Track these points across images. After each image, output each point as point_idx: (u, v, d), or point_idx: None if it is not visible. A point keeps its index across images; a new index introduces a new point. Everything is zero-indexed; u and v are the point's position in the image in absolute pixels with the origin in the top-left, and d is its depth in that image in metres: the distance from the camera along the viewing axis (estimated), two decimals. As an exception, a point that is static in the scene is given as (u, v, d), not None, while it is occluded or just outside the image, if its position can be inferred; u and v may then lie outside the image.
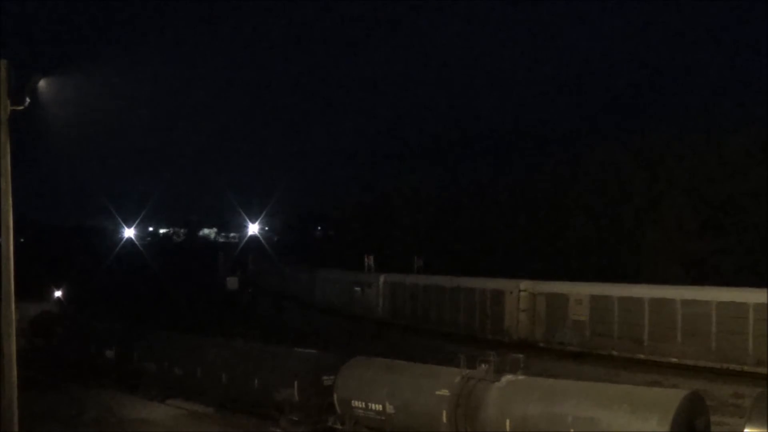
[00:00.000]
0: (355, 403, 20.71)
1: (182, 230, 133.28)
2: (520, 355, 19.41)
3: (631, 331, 31.41)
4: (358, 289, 50.52)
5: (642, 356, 30.75)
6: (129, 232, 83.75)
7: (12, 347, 15.87)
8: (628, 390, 17.89)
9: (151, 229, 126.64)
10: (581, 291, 33.94)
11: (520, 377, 18.31)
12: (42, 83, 16.19)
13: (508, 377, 18.20)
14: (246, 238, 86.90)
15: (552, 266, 46.36)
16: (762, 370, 26.71)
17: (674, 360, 29.73)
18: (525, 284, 36.66)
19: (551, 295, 35.16)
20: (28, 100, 15.75)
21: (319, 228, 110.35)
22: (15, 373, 15.84)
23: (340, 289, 53.48)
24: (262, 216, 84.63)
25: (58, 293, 47.40)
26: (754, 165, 43.25)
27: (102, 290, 57.31)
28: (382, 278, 48.10)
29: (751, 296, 28.27)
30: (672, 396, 15.92)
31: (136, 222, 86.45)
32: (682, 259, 43.36)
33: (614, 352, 31.84)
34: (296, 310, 56.00)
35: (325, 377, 21.92)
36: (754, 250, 40.55)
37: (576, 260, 48.48)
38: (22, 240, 49.44)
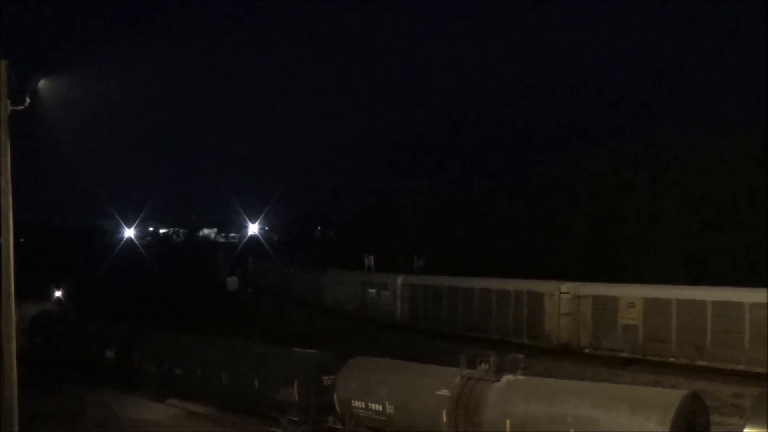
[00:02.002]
0: (355, 403, 20.71)
1: (182, 230, 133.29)
2: (520, 355, 19.38)
3: (692, 336, 29.26)
4: (372, 291, 48.01)
5: (703, 363, 28.71)
6: (129, 232, 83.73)
7: (12, 347, 15.88)
8: (628, 390, 17.90)
9: (151, 229, 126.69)
10: (633, 293, 31.74)
11: (520, 377, 18.30)
12: (42, 83, 16.20)
13: (508, 377, 18.20)
14: (246, 238, 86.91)
15: (551, 266, 46.40)
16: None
17: (741, 367, 27.55)
18: (567, 286, 34.51)
19: (599, 297, 32.86)
20: (28, 100, 15.76)
21: (319, 228, 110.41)
22: (15, 373, 15.85)
23: (353, 291, 50.93)
24: (262, 216, 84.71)
25: (58, 293, 47.42)
26: (754, 165, 43.29)
27: (102, 290, 57.28)
28: (400, 279, 45.56)
29: None
30: (672, 396, 15.92)
31: (136, 222, 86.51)
32: (682, 259, 43.40)
33: (671, 359, 29.77)
34: (308, 314, 52.69)
35: (325, 377, 21.91)
36: (754, 250, 40.58)
37: (576, 260, 48.50)
38: (22, 240, 49.44)
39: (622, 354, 31.38)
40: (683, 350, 29.54)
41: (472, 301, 39.01)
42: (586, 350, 32.88)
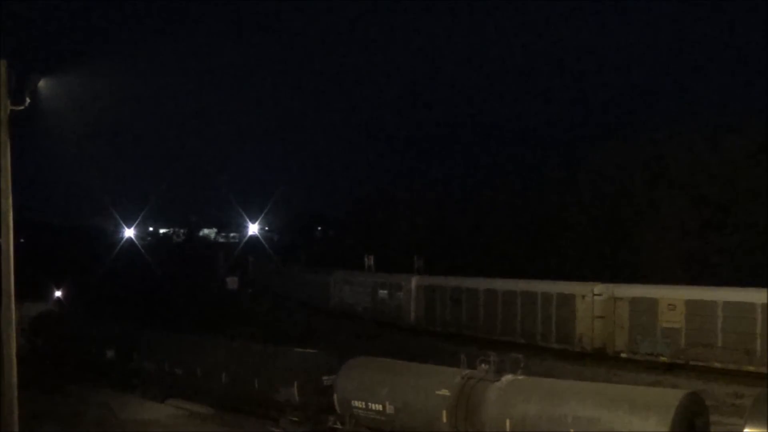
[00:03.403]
0: (355, 403, 20.71)
1: (182, 230, 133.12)
2: (520, 355, 19.39)
3: (740, 340, 28.01)
4: (384, 292, 46.51)
5: (752, 368, 27.42)
6: (129, 232, 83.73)
7: (12, 347, 15.89)
8: (627, 390, 17.90)
9: (151, 229, 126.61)
10: (674, 295, 30.33)
11: (520, 377, 18.30)
12: (42, 83, 16.21)
13: (508, 377, 18.20)
14: (246, 238, 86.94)
15: (551, 266, 46.40)
16: None
17: None
18: (600, 287, 33.13)
19: (636, 299, 31.44)
20: (28, 100, 15.77)
21: (319, 228, 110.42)
22: (15, 373, 15.85)
23: (363, 292, 49.24)
24: (262, 216, 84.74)
25: (58, 293, 47.39)
26: (754, 165, 43.30)
27: (102, 290, 57.31)
28: (414, 280, 44.28)
29: None
30: (672, 396, 15.92)
31: (136, 222, 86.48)
32: (682, 259, 43.39)
33: (717, 364, 28.45)
34: (314, 316, 51.93)
35: (325, 377, 21.93)
36: (754, 250, 40.58)
37: (575, 260, 48.50)
38: (22, 240, 49.40)
39: (663, 359, 30.17)
40: (730, 355, 28.29)
41: (495, 303, 37.67)
42: (623, 354, 31.59)
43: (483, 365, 18.58)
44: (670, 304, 30.15)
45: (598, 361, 31.48)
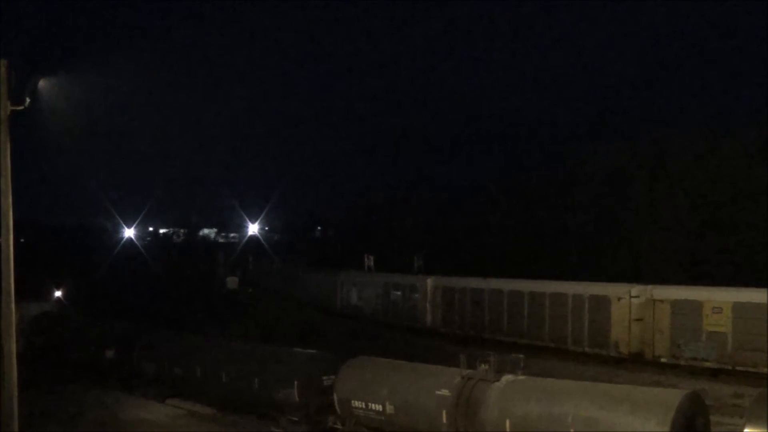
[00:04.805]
0: (355, 403, 20.71)
1: (182, 230, 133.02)
2: (520, 356, 19.38)
3: None
4: (397, 293, 45.00)
5: None
6: (129, 232, 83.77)
7: (12, 347, 15.89)
8: (627, 390, 17.88)
9: (151, 229, 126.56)
10: (719, 297, 29.05)
11: (520, 377, 18.30)
12: (42, 83, 16.21)
13: (508, 377, 18.20)
14: (246, 238, 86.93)
15: (551, 266, 46.41)
16: None
17: None
18: (637, 289, 31.76)
19: (679, 302, 30.08)
20: (28, 100, 15.76)
21: (319, 228, 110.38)
22: (15, 373, 15.85)
23: (372, 293, 47.77)
24: (262, 216, 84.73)
25: (58, 293, 47.36)
26: (754, 165, 43.32)
27: (102, 290, 57.30)
28: (430, 281, 42.62)
29: None
30: (672, 396, 15.92)
31: (136, 222, 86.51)
32: (682, 259, 43.40)
33: (765, 369, 27.20)
34: (325, 318, 49.88)
35: (325, 377, 21.93)
36: (754, 250, 40.59)
37: (575, 260, 48.54)
38: (22, 240, 49.42)
39: (707, 364, 28.84)
40: None
41: (521, 305, 36.20)
42: (663, 360, 30.25)
43: (483, 365, 18.59)
44: (715, 307, 28.91)
45: (640, 366, 30.27)
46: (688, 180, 46.55)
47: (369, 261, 53.17)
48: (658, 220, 47.09)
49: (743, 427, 14.96)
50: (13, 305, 15.84)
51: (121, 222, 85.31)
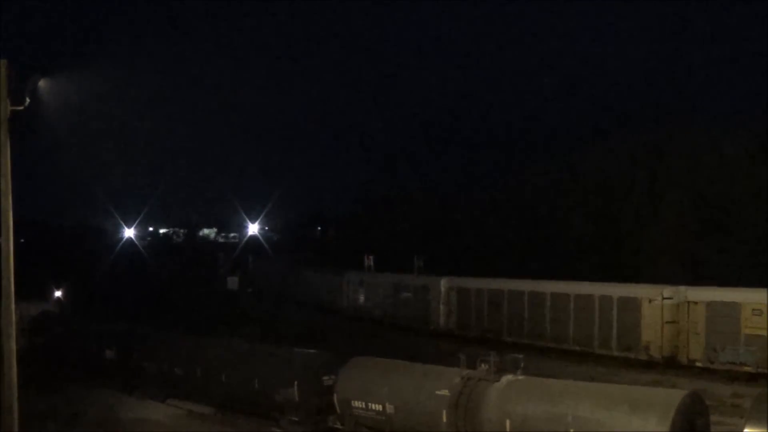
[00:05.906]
0: (355, 403, 20.71)
1: (182, 230, 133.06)
2: (520, 355, 19.38)
3: None
4: (408, 294, 43.95)
5: None
6: (129, 232, 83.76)
7: (12, 347, 15.86)
8: (627, 390, 17.90)
9: (151, 229, 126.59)
10: (759, 298, 27.62)
11: (520, 377, 18.31)
12: (42, 83, 16.19)
13: (508, 377, 18.21)
14: (246, 238, 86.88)
15: (551, 266, 46.36)
16: None
17: None
18: (669, 290, 30.57)
19: (715, 303, 28.94)
20: (28, 100, 15.74)
21: (319, 228, 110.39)
22: (15, 373, 15.83)
23: (381, 294, 46.66)
24: (262, 216, 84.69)
25: (58, 293, 47.42)
26: (754, 165, 43.31)
27: (102, 290, 57.29)
28: (444, 282, 41.45)
29: None
30: (672, 396, 15.92)
31: (136, 222, 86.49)
32: (682, 259, 43.38)
33: None
34: (334, 320, 48.75)
35: (325, 377, 21.94)
36: (754, 250, 40.57)
37: (575, 260, 48.48)
38: (22, 240, 49.42)
39: (746, 368, 27.76)
40: None
41: (543, 306, 35.07)
42: (698, 363, 29.14)
43: (483, 365, 18.60)
44: (755, 309, 27.67)
45: (675, 370, 29.34)
46: (688, 180, 46.54)
47: (369, 261, 53.01)
48: (658, 220, 47.08)
49: (743, 427, 14.95)
50: (13, 305, 15.82)
51: (121, 222, 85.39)
